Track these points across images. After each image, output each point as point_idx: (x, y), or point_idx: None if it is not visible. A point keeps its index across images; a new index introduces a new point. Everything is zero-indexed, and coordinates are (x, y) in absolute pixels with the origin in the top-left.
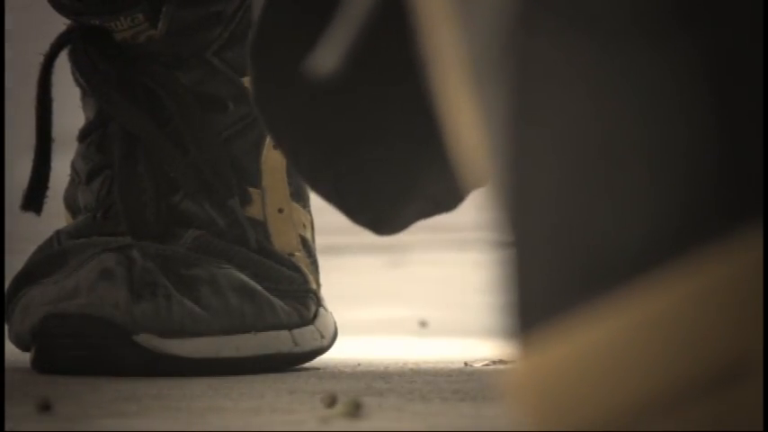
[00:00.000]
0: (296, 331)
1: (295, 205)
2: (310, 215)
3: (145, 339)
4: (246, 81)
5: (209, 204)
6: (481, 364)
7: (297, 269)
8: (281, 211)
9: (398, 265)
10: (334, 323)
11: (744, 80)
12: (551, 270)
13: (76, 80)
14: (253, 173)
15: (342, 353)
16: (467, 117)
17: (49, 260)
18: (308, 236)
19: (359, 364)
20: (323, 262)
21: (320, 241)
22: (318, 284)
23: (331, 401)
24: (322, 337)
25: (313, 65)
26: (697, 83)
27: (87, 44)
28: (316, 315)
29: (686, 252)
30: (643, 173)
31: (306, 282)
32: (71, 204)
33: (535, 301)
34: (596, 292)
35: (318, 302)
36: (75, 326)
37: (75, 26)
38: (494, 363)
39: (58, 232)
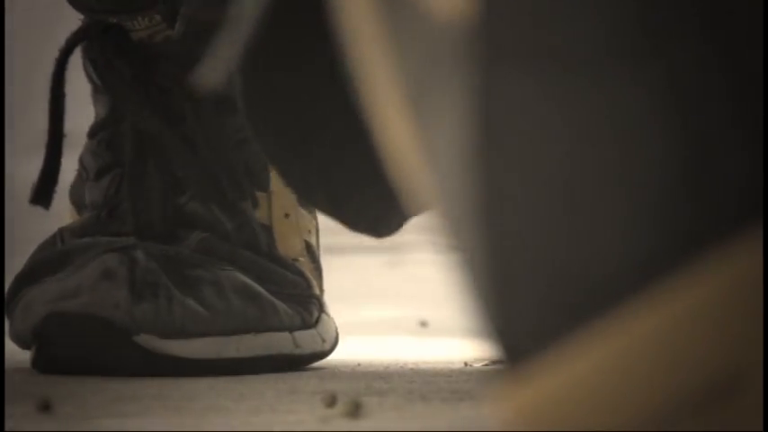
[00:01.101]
0: (297, 333)
1: (301, 211)
2: (316, 220)
3: (145, 340)
4: None
5: (217, 207)
6: (481, 364)
7: (301, 274)
8: (287, 215)
9: (398, 265)
10: (336, 329)
11: (713, 104)
12: (535, 302)
13: (89, 76)
14: (261, 176)
15: (342, 353)
16: (407, 145)
17: (51, 259)
18: (313, 241)
19: (359, 364)
20: (323, 262)
21: (320, 241)
22: (322, 290)
23: (331, 401)
24: (323, 341)
25: (199, 78)
26: (667, 108)
27: (104, 42)
28: (318, 320)
29: (674, 270)
30: (619, 198)
31: (309, 287)
32: (77, 200)
33: (520, 334)
34: (582, 321)
35: (321, 308)
36: (75, 325)
37: (92, 23)
38: (494, 363)
39: (61, 230)
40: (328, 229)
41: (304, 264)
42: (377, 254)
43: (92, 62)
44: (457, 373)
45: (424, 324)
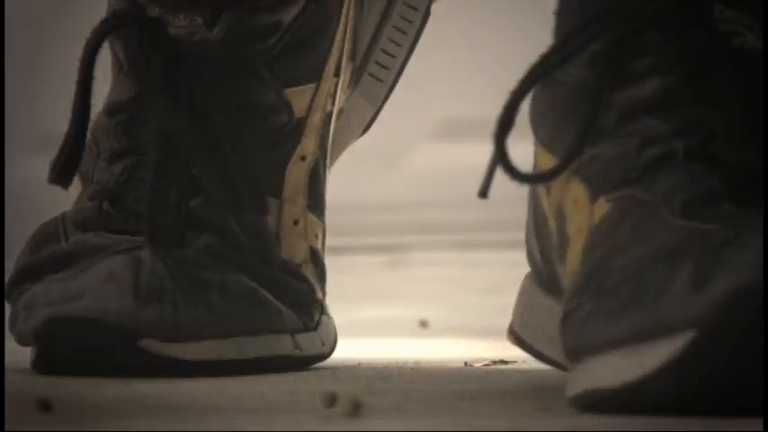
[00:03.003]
0: (298, 336)
1: (311, 216)
2: (323, 224)
3: (148, 344)
4: (289, 93)
5: (229, 212)
6: (481, 364)
7: (305, 280)
8: (296, 223)
9: (398, 265)
10: (335, 331)
11: None
12: None
13: (116, 55)
14: (276, 184)
15: (342, 353)
16: None
17: (56, 259)
18: (319, 245)
19: (359, 364)
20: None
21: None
22: (324, 293)
23: (331, 401)
24: (323, 344)
25: None
26: None
27: (141, 30)
28: (318, 323)
29: None
30: None
31: (313, 292)
32: (83, 171)
33: None
34: None
35: (323, 311)
36: (78, 330)
37: (131, 9)
38: (494, 363)
39: (63, 217)
40: (329, 230)
41: (308, 269)
42: (377, 254)
43: (127, 51)
44: (457, 373)
45: (424, 324)
